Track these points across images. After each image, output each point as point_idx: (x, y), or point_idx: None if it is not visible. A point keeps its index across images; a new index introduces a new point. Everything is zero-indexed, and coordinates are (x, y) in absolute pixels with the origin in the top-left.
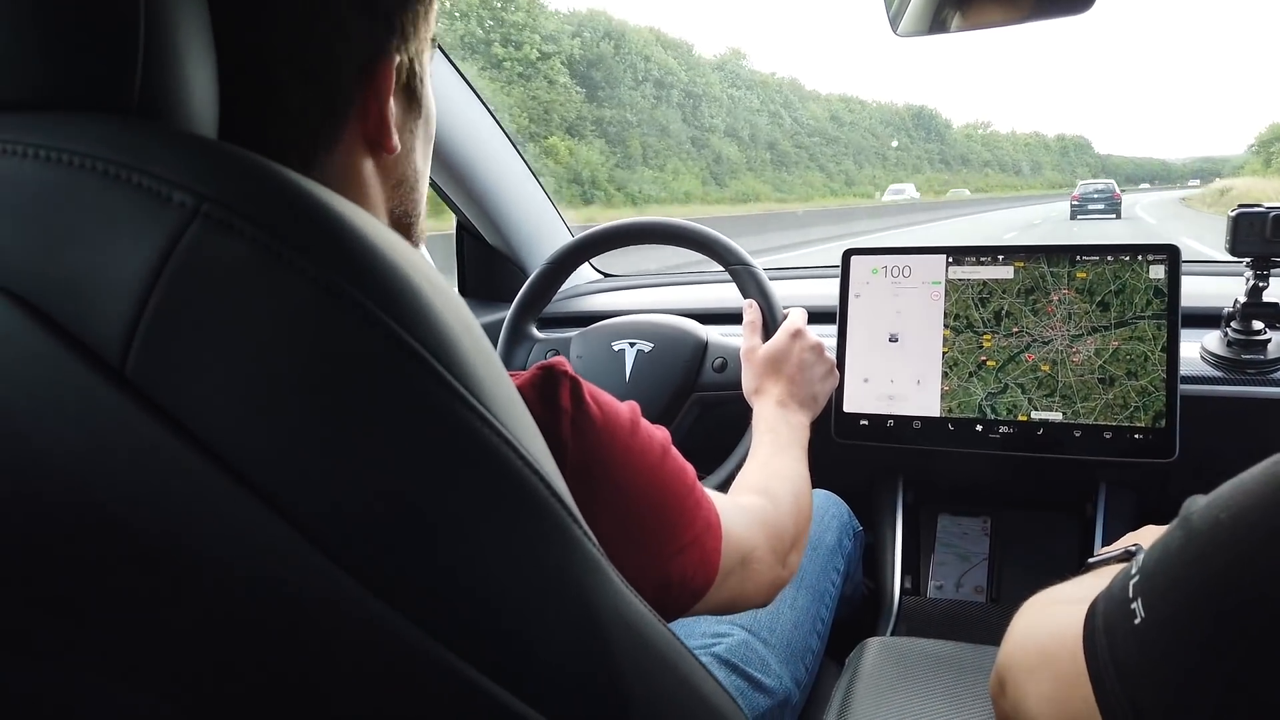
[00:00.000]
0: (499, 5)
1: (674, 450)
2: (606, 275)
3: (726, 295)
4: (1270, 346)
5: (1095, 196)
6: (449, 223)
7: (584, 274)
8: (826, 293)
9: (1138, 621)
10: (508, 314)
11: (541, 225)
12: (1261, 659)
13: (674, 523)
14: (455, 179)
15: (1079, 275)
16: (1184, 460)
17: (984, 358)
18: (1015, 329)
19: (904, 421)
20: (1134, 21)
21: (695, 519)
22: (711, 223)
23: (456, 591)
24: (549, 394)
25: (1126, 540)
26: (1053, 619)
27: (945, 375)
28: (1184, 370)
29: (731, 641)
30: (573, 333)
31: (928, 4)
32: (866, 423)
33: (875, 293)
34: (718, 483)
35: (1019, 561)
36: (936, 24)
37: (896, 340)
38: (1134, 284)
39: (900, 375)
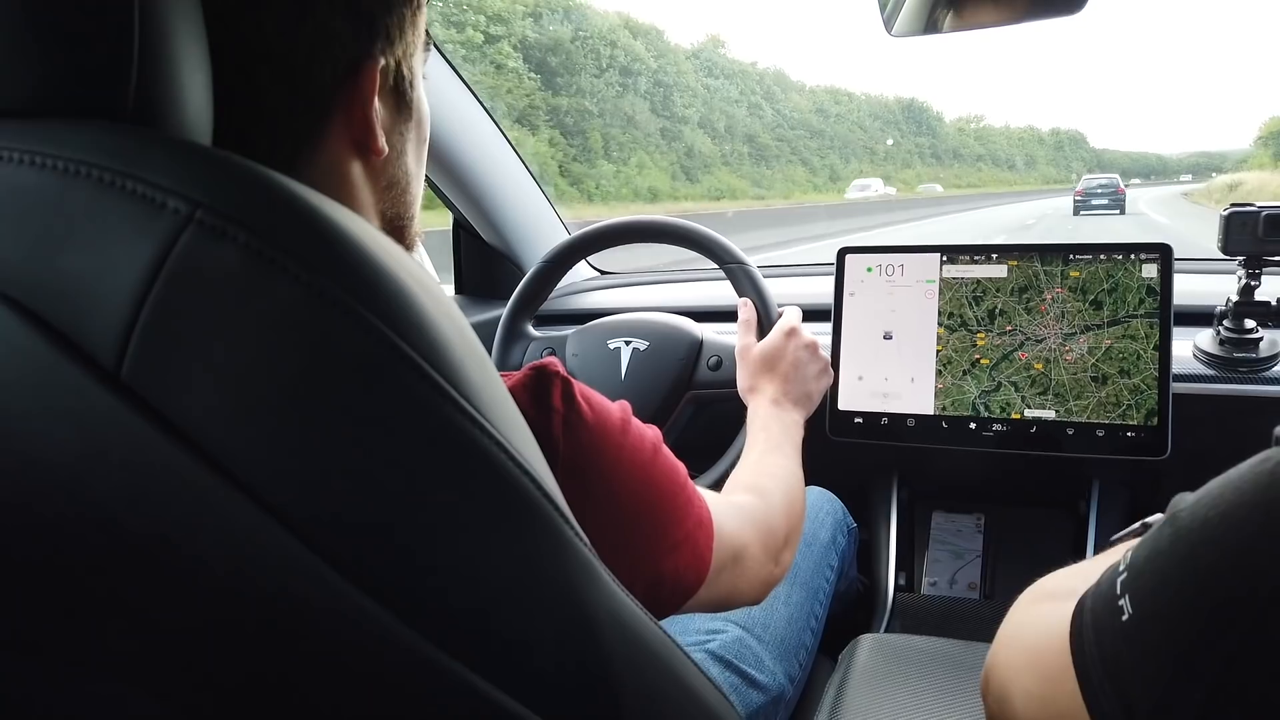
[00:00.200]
0: None
1: (665, 449)
2: (604, 273)
3: (722, 293)
4: (1262, 345)
5: (1099, 191)
6: (448, 218)
7: (581, 271)
8: (821, 291)
9: (1125, 618)
10: (504, 312)
11: (538, 223)
12: (1248, 655)
13: (665, 521)
14: (452, 177)
15: (1072, 274)
16: (1176, 458)
17: (978, 356)
18: (1009, 327)
19: (898, 419)
20: (1130, 14)
21: (687, 517)
22: None
23: (448, 591)
24: (541, 394)
25: (1151, 518)
26: (1041, 618)
27: (939, 373)
28: (1177, 368)
29: (726, 638)
30: (569, 330)
31: (922, 4)
32: (861, 420)
33: (870, 291)
34: (712, 481)
35: (1012, 558)
36: (930, 24)
37: (891, 338)
38: (1127, 283)
39: (894, 373)
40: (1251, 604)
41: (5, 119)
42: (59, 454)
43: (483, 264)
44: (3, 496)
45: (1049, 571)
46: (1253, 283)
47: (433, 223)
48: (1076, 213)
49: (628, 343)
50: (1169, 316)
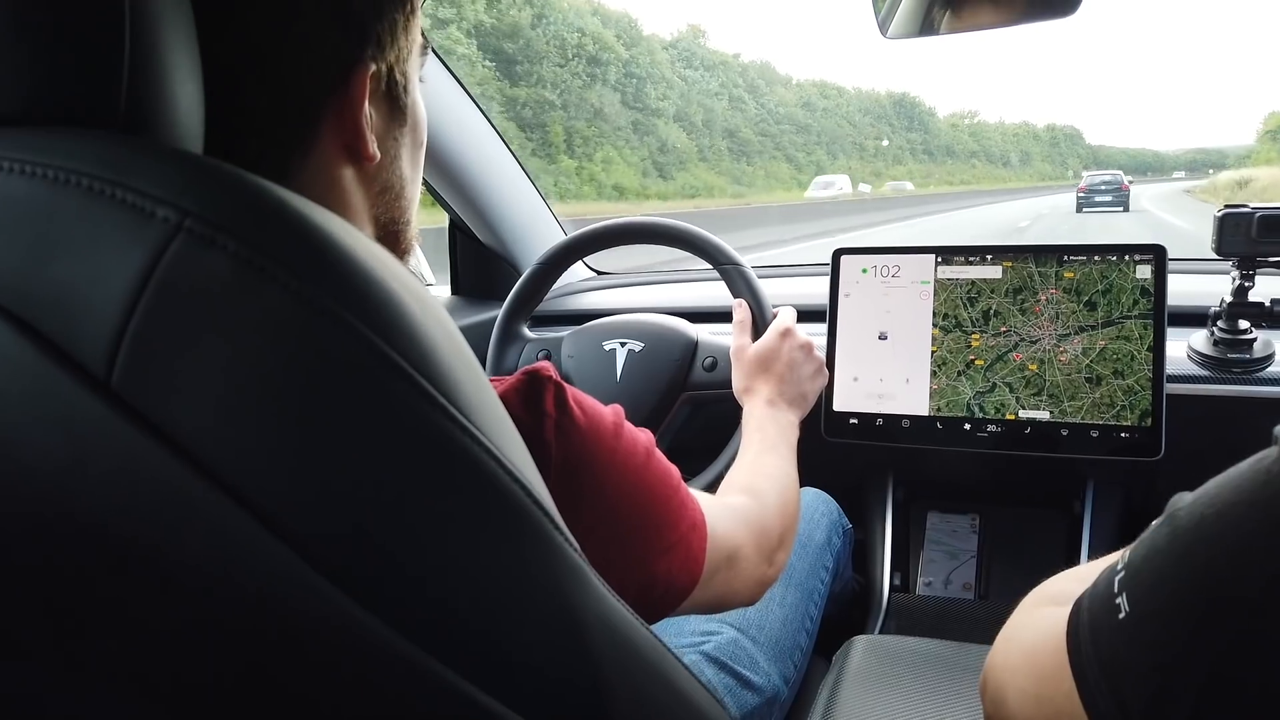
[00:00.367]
0: None
1: (658, 453)
2: (600, 273)
3: (718, 294)
4: (1256, 346)
5: (1103, 188)
6: (443, 216)
7: (578, 272)
8: (816, 291)
9: (1122, 616)
10: (499, 314)
11: (534, 224)
12: (1243, 651)
13: (658, 524)
14: (447, 178)
15: (1066, 275)
16: (1171, 458)
17: (972, 357)
18: (1003, 328)
19: (893, 420)
20: (1127, 9)
21: (680, 520)
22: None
23: (436, 597)
24: (533, 399)
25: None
26: (1040, 620)
27: (934, 374)
28: (1171, 369)
29: (720, 639)
30: (564, 332)
31: (917, 6)
32: (856, 421)
33: (865, 292)
34: (707, 482)
35: (1008, 558)
36: (926, 26)
37: (886, 339)
38: (1121, 284)
39: (889, 374)
40: (1247, 600)
41: None
42: (50, 462)
43: (479, 265)
44: None
45: (1044, 571)
46: (1246, 283)
47: (425, 221)
48: (1080, 210)
49: (623, 344)
50: (1163, 317)
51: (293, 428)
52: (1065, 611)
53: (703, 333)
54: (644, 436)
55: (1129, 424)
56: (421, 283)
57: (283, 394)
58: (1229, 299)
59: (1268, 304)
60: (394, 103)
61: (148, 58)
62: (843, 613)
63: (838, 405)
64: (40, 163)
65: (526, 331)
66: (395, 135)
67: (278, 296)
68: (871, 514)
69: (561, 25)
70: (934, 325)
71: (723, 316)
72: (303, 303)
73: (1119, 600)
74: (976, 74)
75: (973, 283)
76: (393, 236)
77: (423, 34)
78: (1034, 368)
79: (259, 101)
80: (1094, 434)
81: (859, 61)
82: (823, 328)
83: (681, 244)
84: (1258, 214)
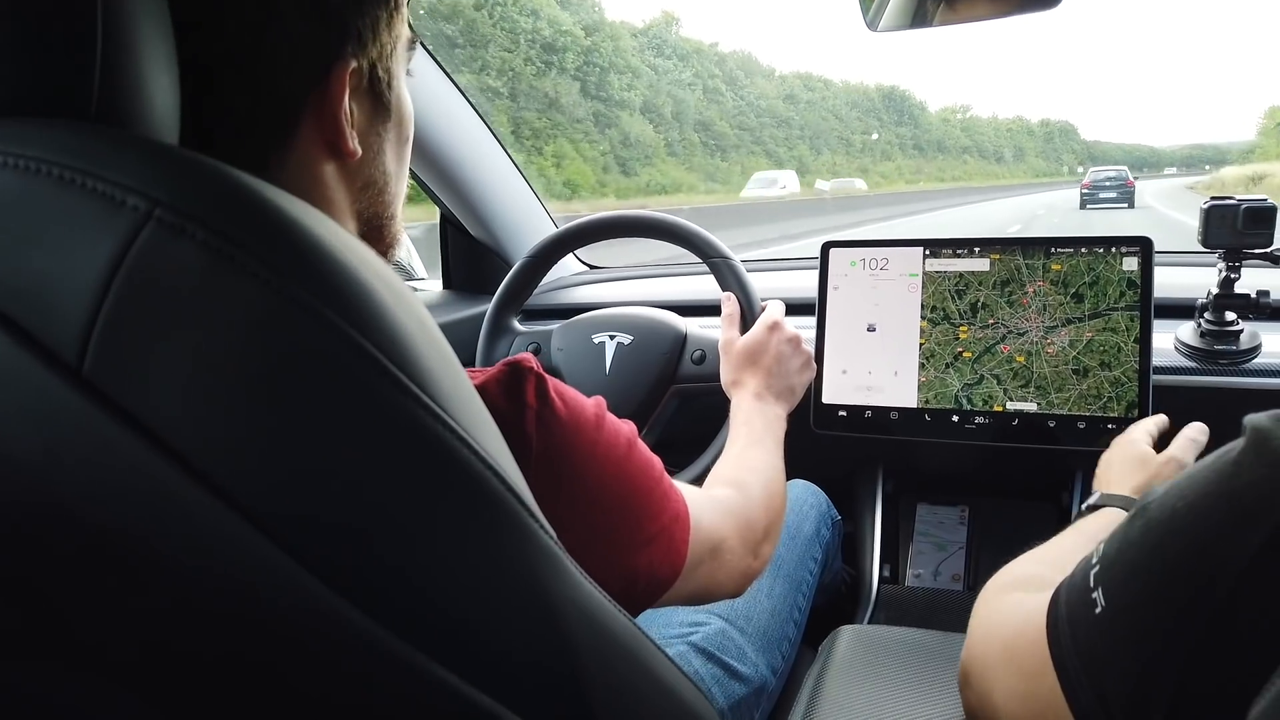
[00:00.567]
0: None
1: (640, 444)
2: (592, 267)
3: (707, 288)
4: (1243, 337)
5: (1107, 184)
6: (433, 211)
7: (568, 265)
8: (805, 285)
9: (1098, 611)
10: (489, 307)
11: (525, 217)
12: (1216, 641)
13: (640, 515)
14: (437, 171)
15: (1054, 267)
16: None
17: (960, 349)
18: (991, 320)
19: (881, 412)
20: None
21: (662, 511)
22: None
23: (412, 585)
24: (514, 390)
25: (1093, 495)
26: (1013, 612)
27: (922, 366)
28: (1158, 361)
29: (708, 630)
30: (554, 325)
31: (907, 3)
32: (845, 413)
33: (853, 285)
34: (694, 475)
35: (996, 549)
36: (918, 19)
37: (874, 331)
38: (1107, 276)
39: (878, 366)
40: (1217, 591)
41: None
42: (25, 451)
43: (470, 258)
44: None
45: None
46: (1232, 275)
47: (418, 216)
48: (1083, 206)
49: (612, 337)
50: (1149, 309)
51: (263, 415)
52: (1038, 599)
53: (692, 326)
54: (626, 428)
55: (1116, 415)
56: (408, 275)
57: (253, 382)
58: (1215, 291)
59: (1254, 296)
60: (377, 98)
61: (120, 49)
62: (832, 604)
63: (826, 398)
64: (12, 153)
65: (517, 325)
66: (379, 131)
67: (247, 285)
68: (861, 506)
69: (511, 7)
70: (922, 318)
71: (712, 310)
72: (273, 291)
73: (1095, 595)
74: (969, 68)
75: (961, 275)
76: (376, 231)
77: (410, 28)
78: (1021, 360)
79: (238, 97)
80: (1081, 425)
81: (847, 54)
82: (812, 320)
83: (671, 238)
84: (1243, 206)
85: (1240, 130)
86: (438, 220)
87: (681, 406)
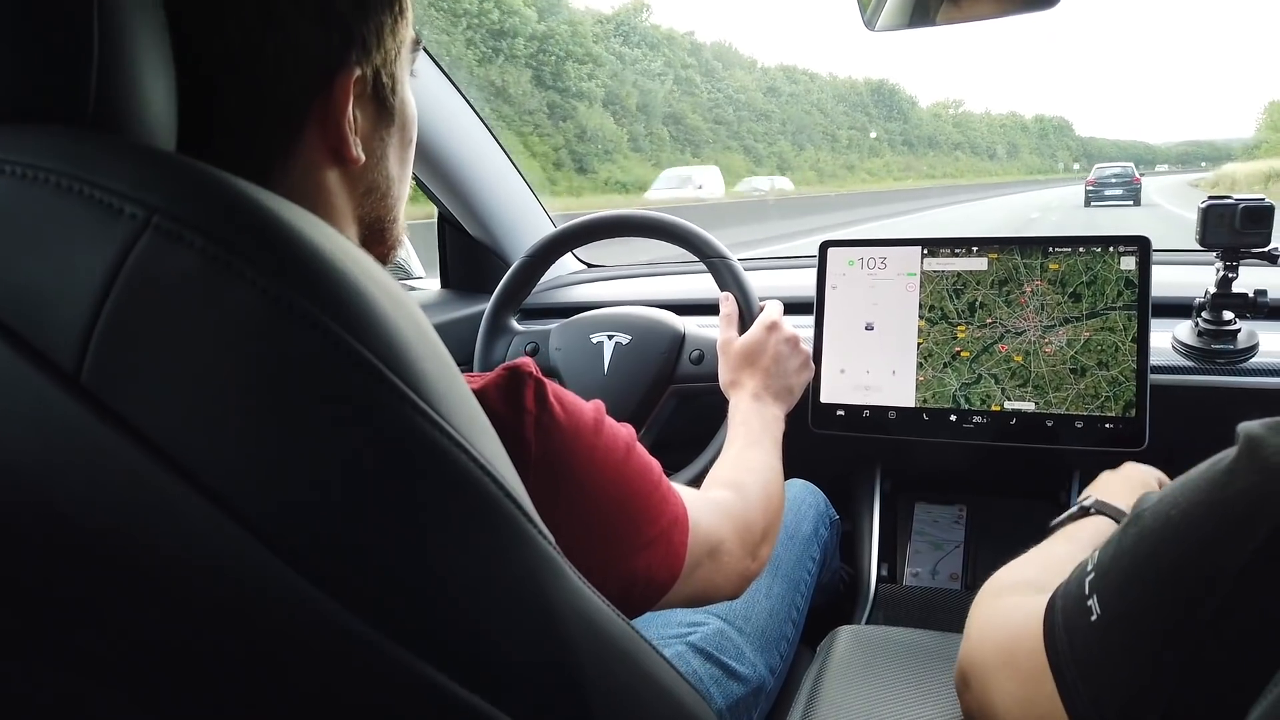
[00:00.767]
0: None
1: (639, 447)
2: (590, 266)
3: (705, 287)
4: (1240, 336)
5: (1113, 181)
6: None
7: (567, 265)
8: (803, 284)
9: (1094, 618)
10: (487, 306)
11: (523, 216)
12: (1210, 649)
13: (638, 519)
14: (435, 171)
15: (1051, 267)
16: (1155, 449)
17: (958, 348)
18: (989, 320)
19: (879, 412)
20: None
21: (661, 515)
22: None
23: (408, 589)
24: (513, 395)
25: (1083, 498)
26: (1010, 616)
27: (920, 366)
28: (1155, 360)
29: (707, 630)
30: (552, 325)
31: (905, 2)
32: (843, 413)
33: (852, 284)
34: (692, 475)
35: (994, 549)
36: (918, 18)
37: (872, 331)
38: (1105, 275)
39: (876, 366)
40: (1211, 599)
41: None
42: (20, 457)
43: (468, 258)
44: None
45: None
46: (1230, 275)
47: (415, 214)
48: (1088, 203)
49: (610, 337)
50: (1147, 308)
51: (258, 422)
52: (1035, 602)
53: (690, 325)
54: (625, 432)
55: (1113, 415)
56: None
57: (249, 388)
58: (1213, 290)
59: (1251, 295)
60: (381, 104)
61: (117, 55)
62: (830, 603)
63: (825, 397)
64: (9, 159)
65: (515, 324)
66: (382, 136)
67: (245, 292)
68: (859, 505)
69: None
70: (920, 317)
71: (710, 309)
72: (270, 299)
73: (1090, 602)
74: (962, 63)
75: (958, 275)
76: (378, 235)
77: (415, 31)
78: (1019, 359)
79: (241, 104)
80: (1079, 425)
81: (836, 47)
82: (809, 320)
83: (670, 237)
84: (1241, 205)
85: (1236, 127)
86: (435, 219)
87: (679, 406)
